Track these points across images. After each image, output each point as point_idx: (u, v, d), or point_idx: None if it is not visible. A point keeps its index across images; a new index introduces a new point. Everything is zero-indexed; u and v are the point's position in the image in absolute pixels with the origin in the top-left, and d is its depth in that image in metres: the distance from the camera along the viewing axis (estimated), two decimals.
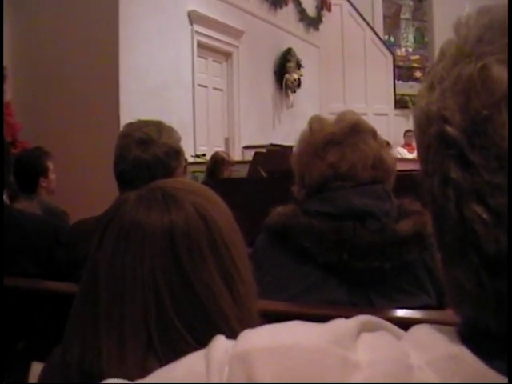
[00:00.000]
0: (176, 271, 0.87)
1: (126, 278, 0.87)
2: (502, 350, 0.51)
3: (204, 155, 7.15)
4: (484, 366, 0.50)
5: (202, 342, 0.82)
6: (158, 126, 2.03)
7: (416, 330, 0.57)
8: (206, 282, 0.87)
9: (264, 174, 5.03)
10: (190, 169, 6.00)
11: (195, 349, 0.79)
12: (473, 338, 0.53)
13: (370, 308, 1.56)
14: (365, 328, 0.57)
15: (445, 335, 0.54)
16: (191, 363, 0.58)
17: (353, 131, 1.65)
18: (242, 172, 5.91)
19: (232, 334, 0.79)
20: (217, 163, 5.83)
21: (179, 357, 0.77)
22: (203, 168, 6.16)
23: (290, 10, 10.29)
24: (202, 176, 6.07)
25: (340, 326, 0.57)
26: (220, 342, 0.58)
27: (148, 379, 0.59)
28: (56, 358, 0.93)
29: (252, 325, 0.78)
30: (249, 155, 7.42)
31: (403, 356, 0.53)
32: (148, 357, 0.84)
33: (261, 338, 0.57)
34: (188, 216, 0.90)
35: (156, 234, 0.88)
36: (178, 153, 2.02)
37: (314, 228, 1.58)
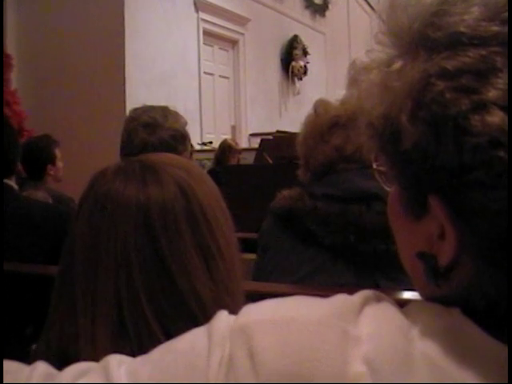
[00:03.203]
0: (150, 246, 0.82)
1: (100, 253, 0.83)
2: (501, 320, 0.52)
3: (211, 143, 7.15)
4: (484, 335, 0.51)
5: (169, 326, 0.80)
6: (164, 110, 2.05)
7: (415, 304, 0.58)
8: (181, 259, 0.83)
9: (270, 161, 5.02)
10: (197, 156, 6.00)
11: (162, 334, 0.79)
12: (471, 311, 0.53)
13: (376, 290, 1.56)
14: (368, 302, 0.57)
15: (444, 309, 0.54)
16: (194, 337, 0.58)
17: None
18: (249, 159, 5.90)
19: (204, 315, 0.79)
20: (224, 151, 5.83)
21: (148, 338, 0.78)
22: (210, 156, 6.16)
23: None
24: (208, 164, 6.07)
25: (342, 300, 0.57)
26: (222, 316, 0.58)
27: (151, 353, 0.59)
28: (41, 342, 0.89)
29: (232, 306, 0.77)
30: (255, 143, 7.40)
31: (405, 328, 0.53)
32: (119, 336, 0.80)
33: (262, 312, 0.57)
34: (166, 189, 0.85)
35: (131, 208, 0.84)
36: (184, 136, 2.04)
37: (320, 211, 1.58)
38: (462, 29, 0.51)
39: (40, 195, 3.22)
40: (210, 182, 0.93)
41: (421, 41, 0.53)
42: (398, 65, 0.55)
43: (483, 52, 0.50)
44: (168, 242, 0.83)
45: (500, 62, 0.49)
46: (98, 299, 0.82)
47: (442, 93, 0.50)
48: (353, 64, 0.60)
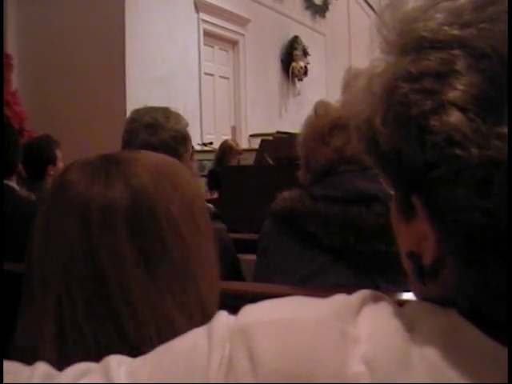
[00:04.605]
0: (86, 248, 0.78)
1: (48, 250, 0.81)
2: (499, 321, 0.52)
3: (211, 143, 7.15)
4: (482, 335, 0.51)
5: (96, 329, 0.76)
6: (166, 111, 2.05)
7: (413, 304, 0.58)
8: (114, 260, 0.78)
9: (271, 162, 5.02)
10: (197, 157, 6.00)
11: (92, 338, 0.76)
12: (469, 312, 0.53)
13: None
14: (367, 302, 0.57)
15: (442, 309, 0.55)
16: (194, 337, 0.58)
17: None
18: (249, 160, 5.89)
19: (136, 322, 0.76)
20: (225, 151, 5.84)
21: (81, 342, 0.75)
22: (210, 156, 6.16)
23: None
24: (209, 164, 6.07)
25: (341, 300, 0.58)
26: (222, 317, 0.59)
27: (151, 354, 0.59)
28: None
29: (170, 312, 0.76)
30: (255, 143, 7.41)
31: (403, 329, 0.54)
32: (62, 334, 0.77)
33: (261, 312, 0.57)
34: (111, 187, 0.81)
35: (73, 206, 0.81)
36: (185, 138, 2.04)
37: (320, 212, 1.58)
38: (424, 33, 0.53)
39: (39, 195, 3.22)
40: (182, 185, 0.86)
41: (396, 45, 0.56)
42: (380, 68, 0.57)
43: (443, 55, 0.52)
44: (101, 240, 0.79)
45: (459, 64, 0.51)
46: (45, 300, 0.79)
47: (407, 95, 0.52)
48: (348, 70, 0.62)
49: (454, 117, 0.49)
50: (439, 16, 0.54)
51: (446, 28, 0.53)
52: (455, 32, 0.52)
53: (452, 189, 0.50)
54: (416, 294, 0.62)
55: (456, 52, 0.51)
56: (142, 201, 0.81)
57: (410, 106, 0.52)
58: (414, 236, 0.57)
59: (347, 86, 0.63)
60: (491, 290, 0.51)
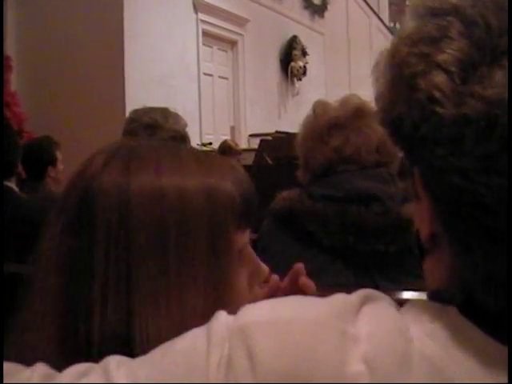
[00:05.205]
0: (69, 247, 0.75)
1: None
2: (499, 319, 0.52)
3: (210, 144, 7.15)
4: (482, 334, 0.51)
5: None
6: (165, 111, 2.06)
7: (413, 304, 0.58)
8: (84, 270, 0.73)
9: (270, 162, 5.03)
10: None
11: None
12: (469, 309, 0.54)
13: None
14: (367, 302, 0.57)
15: (442, 308, 0.55)
16: (193, 337, 0.58)
17: (357, 115, 1.65)
18: (248, 160, 5.90)
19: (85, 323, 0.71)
20: (224, 151, 5.84)
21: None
22: None
23: None
24: None
25: (340, 300, 0.58)
26: (221, 317, 0.59)
27: (151, 354, 0.59)
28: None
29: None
30: (255, 143, 7.41)
31: (403, 328, 0.54)
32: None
33: (261, 312, 0.57)
34: (106, 192, 0.74)
35: (69, 197, 0.78)
36: (184, 138, 2.04)
37: (319, 212, 1.58)
38: (429, 3, 0.58)
39: (38, 196, 3.22)
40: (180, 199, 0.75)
41: (410, 13, 0.60)
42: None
43: (440, 22, 0.55)
44: (80, 245, 0.74)
45: (452, 30, 0.54)
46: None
47: (405, 57, 0.56)
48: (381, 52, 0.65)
49: (438, 77, 0.53)
50: None
51: None
52: (454, 1, 0.56)
53: (433, 148, 0.53)
54: (428, 282, 0.64)
55: (451, 19, 0.55)
56: (128, 210, 0.74)
57: (404, 67, 0.56)
58: (419, 214, 0.61)
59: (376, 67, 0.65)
60: (481, 275, 0.52)
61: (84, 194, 0.76)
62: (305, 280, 0.91)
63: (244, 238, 0.83)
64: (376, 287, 1.65)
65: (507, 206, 0.49)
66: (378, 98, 0.62)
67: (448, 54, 0.53)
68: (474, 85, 0.51)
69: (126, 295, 0.71)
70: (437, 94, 0.52)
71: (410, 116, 0.55)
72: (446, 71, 0.52)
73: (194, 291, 0.71)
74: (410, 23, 0.59)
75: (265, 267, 0.88)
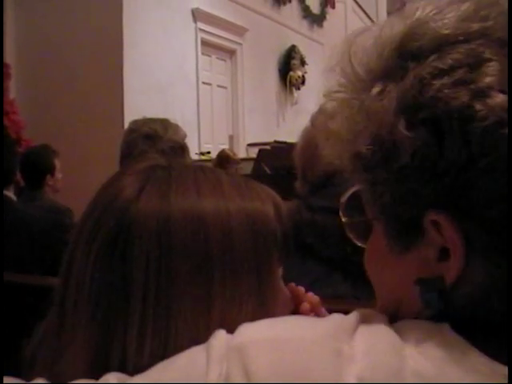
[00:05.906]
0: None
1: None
2: (496, 336, 0.52)
3: (209, 153, 7.16)
4: (475, 351, 0.51)
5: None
6: (164, 122, 2.06)
7: (406, 321, 0.58)
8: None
9: (268, 171, 5.03)
10: None
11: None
12: (464, 327, 0.54)
13: (373, 302, 1.57)
14: (363, 321, 0.58)
15: (435, 326, 0.55)
16: (193, 355, 0.58)
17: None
18: (247, 169, 5.91)
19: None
20: (222, 161, 5.84)
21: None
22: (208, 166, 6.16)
23: (293, 7, 10.27)
24: None
25: (337, 320, 0.58)
26: (220, 335, 0.59)
27: (151, 371, 0.59)
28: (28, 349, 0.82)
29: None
30: (253, 153, 7.41)
31: (398, 346, 0.54)
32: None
33: (258, 331, 0.58)
34: (146, 219, 0.71)
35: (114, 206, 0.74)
36: (183, 148, 2.05)
37: (317, 223, 1.58)
38: (445, 31, 0.55)
39: (36, 205, 3.22)
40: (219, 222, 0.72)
41: (401, 56, 0.57)
42: (377, 88, 0.57)
43: (471, 46, 0.54)
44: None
45: (487, 52, 0.53)
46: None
47: (440, 89, 0.53)
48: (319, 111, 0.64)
49: (499, 98, 0.51)
50: (451, 16, 0.56)
51: (465, 23, 0.55)
52: (475, 25, 0.55)
53: (498, 176, 0.51)
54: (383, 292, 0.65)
55: (480, 41, 0.54)
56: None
57: (447, 100, 0.53)
58: (419, 262, 0.57)
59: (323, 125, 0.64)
60: (502, 285, 0.53)
61: (119, 222, 0.72)
62: (306, 305, 0.89)
63: (279, 271, 0.82)
64: (374, 298, 1.65)
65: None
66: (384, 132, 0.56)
67: (494, 75, 0.52)
68: None
69: (166, 327, 0.68)
70: (504, 116, 0.51)
71: (466, 151, 0.52)
72: (503, 91, 0.52)
73: (238, 323, 0.66)
74: (410, 64, 0.56)
75: (289, 295, 0.87)
